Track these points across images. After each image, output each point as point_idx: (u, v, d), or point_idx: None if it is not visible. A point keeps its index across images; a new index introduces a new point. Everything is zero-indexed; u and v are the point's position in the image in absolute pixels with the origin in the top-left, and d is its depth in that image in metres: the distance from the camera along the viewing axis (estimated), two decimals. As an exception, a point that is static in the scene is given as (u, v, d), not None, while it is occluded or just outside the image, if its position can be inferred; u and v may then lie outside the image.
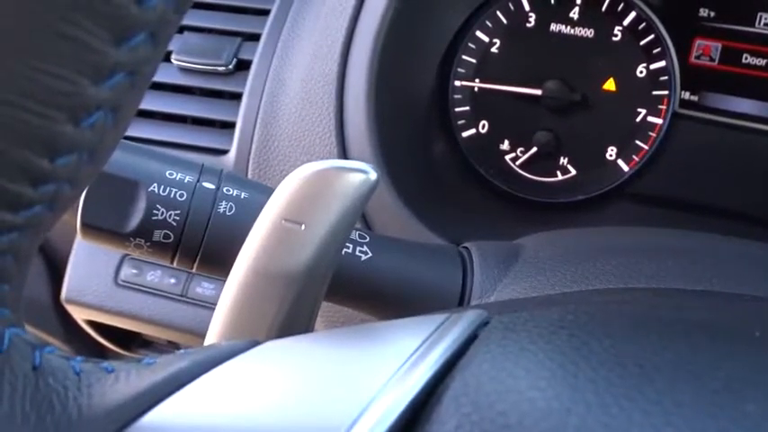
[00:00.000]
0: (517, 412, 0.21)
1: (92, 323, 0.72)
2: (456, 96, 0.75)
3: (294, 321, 0.31)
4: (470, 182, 0.74)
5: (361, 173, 0.29)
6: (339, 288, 0.40)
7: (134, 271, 0.64)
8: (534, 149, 0.73)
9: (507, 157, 0.75)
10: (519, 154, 0.74)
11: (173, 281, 0.63)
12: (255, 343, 0.26)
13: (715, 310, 0.35)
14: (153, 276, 0.63)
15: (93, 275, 0.66)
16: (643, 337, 0.27)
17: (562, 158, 0.74)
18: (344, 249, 0.41)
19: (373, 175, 0.29)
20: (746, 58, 0.71)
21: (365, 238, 0.43)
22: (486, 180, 0.75)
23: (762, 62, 0.71)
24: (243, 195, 0.39)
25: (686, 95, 0.72)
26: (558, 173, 0.74)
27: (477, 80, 0.74)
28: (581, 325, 0.27)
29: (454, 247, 0.45)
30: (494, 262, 0.43)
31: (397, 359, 0.22)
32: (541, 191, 0.74)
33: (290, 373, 0.23)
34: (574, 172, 0.73)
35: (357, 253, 0.40)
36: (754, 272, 0.47)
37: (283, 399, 0.21)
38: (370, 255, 0.42)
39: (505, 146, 0.75)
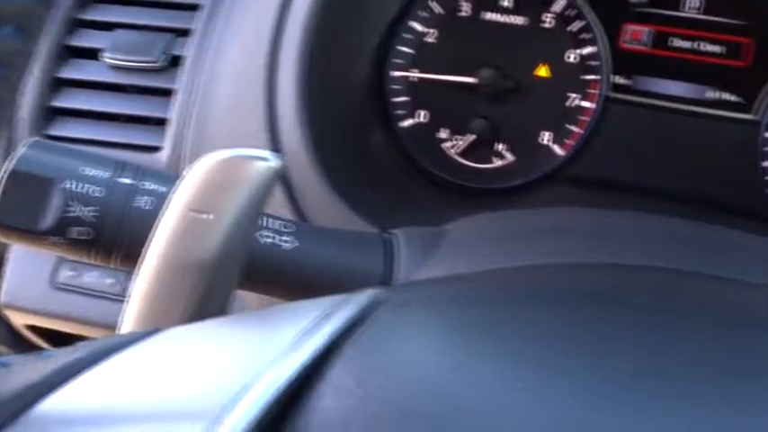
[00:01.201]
0: (400, 384, 0.22)
1: (32, 327, 0.71)
2: (393, 87, 0.76)
3: (206, 310, 0.31)
4: (409, 171, 0.75)
5: (263, 160, 0.30)
6: (262, 278, 0.40)
7: (71, 273, 0.64)
8: (472, 137, 0.74)
9: (446, 146, 0.76)
10: (457, 142, 0.76)
11: (111, 281, 0.63)
12: (155, 331, 0.26)
13: (612, 281, 0.37)
14: (90, 277, 0.63)
15: (30, 279, 0.65)
16: (536, 308, 0.28)
17: (499, 145, 0.75)
18: (267, 239, 0.41)
19: (275, 163, 0.30)
20: (675, 42, 0.74)
21: (291, 228, 0.43)
22: (424, 168, 0.76)
23: (689, 45, 0.73)
24: (162, 190, 0.39)
25: (619, 79, 0.74)
26: (496, 159, 0.75)
27: (413, 70, 0.75)
28: (474, 300, 0.28)
29: (379, 234, 0.46)
30: (419, 247, 0.44)
31: (282, 341, 0.22)
32: (479, 177, 0.75)
33: (179, 360, 0.23)
34: (511, 157, 0.75)
35: (279, 242, 0.41)
36: (679, 248, 0.49)
37: (166, 385, 0.21)
38: (296, 244, 0.43)
39: (444, 134, 0.76)
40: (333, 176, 0.58)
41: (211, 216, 0.30)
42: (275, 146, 0.59)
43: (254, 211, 0.30)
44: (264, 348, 0.22)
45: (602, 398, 0.22)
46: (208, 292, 0.31)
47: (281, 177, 0.60)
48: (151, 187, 0.39)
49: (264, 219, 0.43)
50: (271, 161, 0.29)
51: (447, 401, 0.21)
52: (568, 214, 0.50)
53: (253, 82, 0.59)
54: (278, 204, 0.59)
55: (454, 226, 0.49)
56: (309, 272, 0.42)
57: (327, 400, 0.21)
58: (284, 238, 0.42)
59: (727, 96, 0.71)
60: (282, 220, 0.43)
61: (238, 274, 0.32)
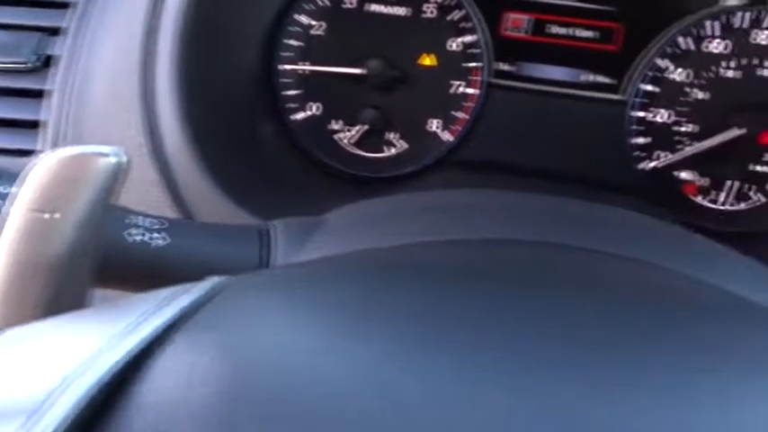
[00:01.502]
0: (236, 366, 0.22)
1: None
2: (284, 80, 0.76)
3: (59, 309, 0.31)
4: (302, 163, 0.75)
5: (105, 156, 0.29)
6: (133, 276, 0.40)
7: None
8: (364, 127, 0.75)
9: (338, 137, 0.77)
10: (349, 132, 0.76)
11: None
12: (-6, 333, 0.26)
13: (485, 255, 0.38)
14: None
15: None
16: (394, 285, 0.29)
17: (390, 134, 0.76)
18: (136, 237, 0.41)
19: (118, 159, 0.29)
20: (552, 29, 0.77)
21: (163, 225, 0.43)
22: (318, 160, 0.76)
23: (564, 31, 0.76)
24: (11, 191, 0.38)
25: (502, 66, 0.77)
26: (388, 148, 0.77)
27: (303, 63, 0.76)
28: (324, 280, 0.28)
29: (255, 226, 0.46)
30: (296, 235, 0.44)
31: (113, 331, 0.22)
32: (373, 166, 0.76)
33: (7, 359, 0.23)
34: (402, 146, 0.76)
35: (149, 240, 0.41)
36: (554, 223, 0.51)
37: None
38: (168, 241, 0.42)
39: (336, 125, 0.77)
40: (217, 172, 0.58)
41: (56, 215, 0.30)
42: (155, 143, 0.58)
43: (100, 209, 0.30)
44: (92, 341, 0.22)
45: (477, 372, 0.22)
46: (59, 292, 0.31)
47: (165, 175, 0.59)
48: (4, 190, 0.37)
49: (134, 217, 0.42)
50: (112, 157, 0.29)
51: (279, 381, 0.22)
52: (447, 195, 0.52)
53: (128, 78, 0.58)
54: (162, 203, 0.58)
55: (335, 213, 0.50)
56: (183, 268, 0.41)
57: (156, 385, 0.21)
58: (155, 235, 0.41)
59: (600, 79, 0.74)
60: (154, 217, 0.43)
61: (92, 273, 0.32)
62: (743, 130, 0.68)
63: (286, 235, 0.46)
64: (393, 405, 0.21)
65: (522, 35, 0.77)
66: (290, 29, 0.74)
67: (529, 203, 0.52)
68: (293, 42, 0.75)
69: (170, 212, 0.58)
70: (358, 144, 0.77)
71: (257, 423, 0.20)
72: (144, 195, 0.58)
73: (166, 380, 0.22)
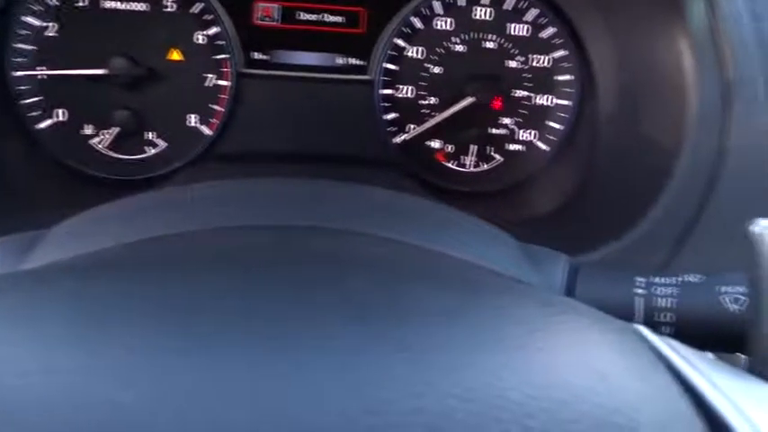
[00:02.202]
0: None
1: None
2: (20, 88, 0.70)
3: None
4: (55, 174, 0.71)
5: None
6: None
7: None
8: (116, 129, 0.73)
9: (93, 142, 0.73)
10: (103, 136, 0.73)
11: None
12: None
13: (229, 243, 0.39)
14: None
15: None
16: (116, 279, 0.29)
17: (149, 133, 0.74)
18: None
19: None
20: (302, 15, 0.79)
21: None
22: (73, 169, 0.72)
23: (314, 17, 0.79)
24: None
25: (257, 55, 0.78)
26: (149, 148, 0.74)
27: (39, 68, 0.71)
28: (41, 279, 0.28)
29: None
30: (15, 252, 0.42)
31: None
32: (133, 169, 0.74)
33: None
34: (163, 144, 0.75)
35: None
36: (312, 206, 0.53)
37: None
38: None
39: (89, 130, 0.73)
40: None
41: None
42: None
43: None
44: None
45: (218, 356, 0.23)
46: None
47: None
48: None
49: None
50: None
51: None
52: (189, 189, 0.52)
53: None
54: None
55: (62, 223, 0.48)
56: None
57: None
58: None
59: (351, 61, 0.78)
60: None
61: None
62: (476, 99, 0.75)
63: (2, 252, 0.43)
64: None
65: (273, 24, 0.78)
66: (19, 32, 0.69)
67: (271, 188, 0.53)
68: (24, 46, 0.70)
69: None
70: (114, 147, 0.73)
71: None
72: None
73: None
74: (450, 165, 0.79)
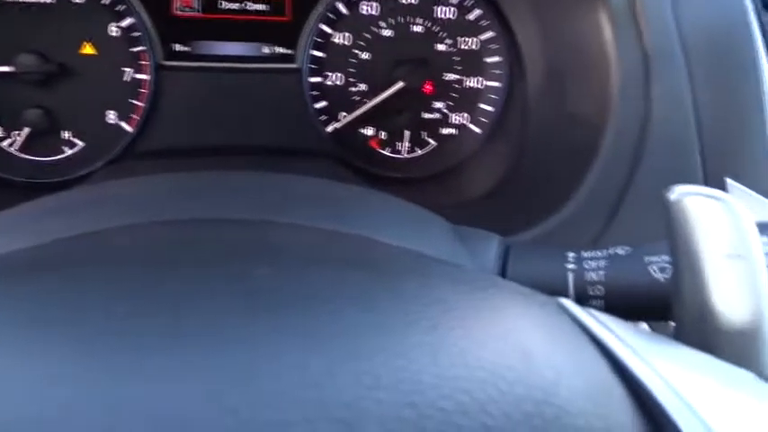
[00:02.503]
0: None
1: None
2: None
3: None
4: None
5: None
6: None
7: None
8: (27, 130, 0.69)
9: (4, 144, 0.69)
10: (15, 137, 0.69)
11: None
12: None
13: (158, 238, 0.37)
14: None
15: None
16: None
17: (65, 132, 0.71)
18: None
19: None
20: (224, 5, 0.76)
21: None
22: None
23: (237, 6, 0.77)
24: None
25: (178, 47, 0.75)
26: (66, 148, 0.71)
27: (-60, 67, 0.66)
28: None
29: None
30: None
31: None
32: (49, 170, 0.70)
33: None
34: (81, 144, 0.71)
35: None
36: (240, 199, 0.51)
37: None
38: None
39: (-1, 132, 0.69)
40: None
41: None
42: None
43: None
44: None
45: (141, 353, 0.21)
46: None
47: None
48: None
49: None
50: None
51: None
52: (111, 186, 0.49)
53: None
54: None
55: None
56: None
57: None
58: None
59: (278, 50, 0.76)
60: None
61: None
62: (406, 83, 0.74)
63: None
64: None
65: (193, 14, 0.75)
66: None
67: (188, 182, 0.51)
68: None
69: None
70: (27, 149, 0.69)
71: None
72: None
73: None
74: (384, 152, 0.78)
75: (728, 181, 0.56)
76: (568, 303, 0.28)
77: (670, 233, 0.31)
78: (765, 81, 0.62)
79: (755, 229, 0.33)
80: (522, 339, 0.22)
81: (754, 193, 0.54)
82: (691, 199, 0.30)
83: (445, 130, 0.78)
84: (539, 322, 0.24)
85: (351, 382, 0.19)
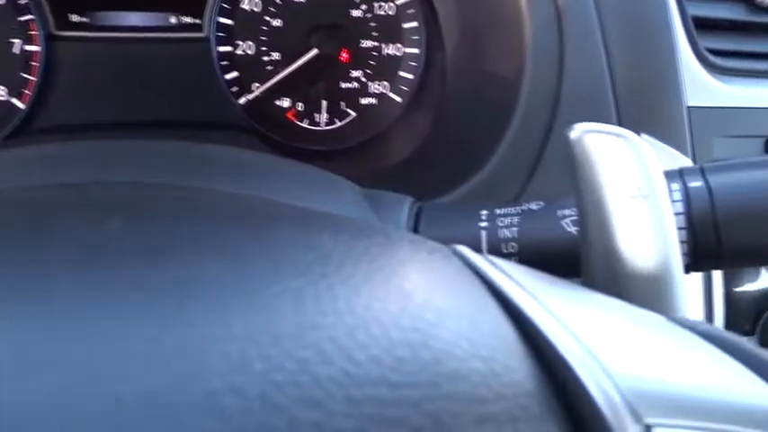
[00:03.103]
0: None
1: None
2: None
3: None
4: None
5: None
6: None
7: None
8: None
9: None
10: None
11: None
12: None
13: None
14: None
15: None
16: None
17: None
18: None
19: None
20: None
21: None
22: None
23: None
24: None
25: (75, 18, 0.69)
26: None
27: None
28: None
29: None
30: None
31: None
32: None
33: None
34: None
35: None
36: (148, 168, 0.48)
37: None
38: None
39: None
40: None
41: None
42: None
43: None
44: None
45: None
46: None
47: None
48: None
49: None
50: None
51: None
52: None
53: None
54: None
55: None
56: None
57: None
58: None
59: (185, 19, 0.72)
60: None
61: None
62: (320, 51, 0.72)
63: None
64: None
65: (91, -19, 0.70)
66: None
67: (84, 149, 0.48)
68: None
69: None
70: None
71: None
72: None
73: None
74: (302, 124, 0.74)
75: (643, 136, 0.56)
76: (464, 249, 0.26)
77: (573, 174, 0.29)
78: (677, 36, 0.62)
79: (660, 169, 0.32)
80: (403, 283, 0.20)
81: (667, 147, 0.54)
82: (593, 136, 0.28)
83: (365, 100, 0.75)
84: (425, 267, 0.22)
85: (195, 334, 0.16)
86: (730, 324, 0.61)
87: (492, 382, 0.18)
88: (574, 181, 0.30)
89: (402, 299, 0.20)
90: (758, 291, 0.63)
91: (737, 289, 0.63)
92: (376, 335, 0.17)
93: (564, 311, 0.21)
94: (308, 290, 0.19)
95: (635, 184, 0.29)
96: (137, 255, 0.20)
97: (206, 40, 0.70)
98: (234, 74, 0.72)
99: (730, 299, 0.62)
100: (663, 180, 0.31)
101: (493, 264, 0.24)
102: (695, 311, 0.57)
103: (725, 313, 0.62)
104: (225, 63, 0.71)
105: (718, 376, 0.22)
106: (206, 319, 0.17)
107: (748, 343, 0.24)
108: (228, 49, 0.71)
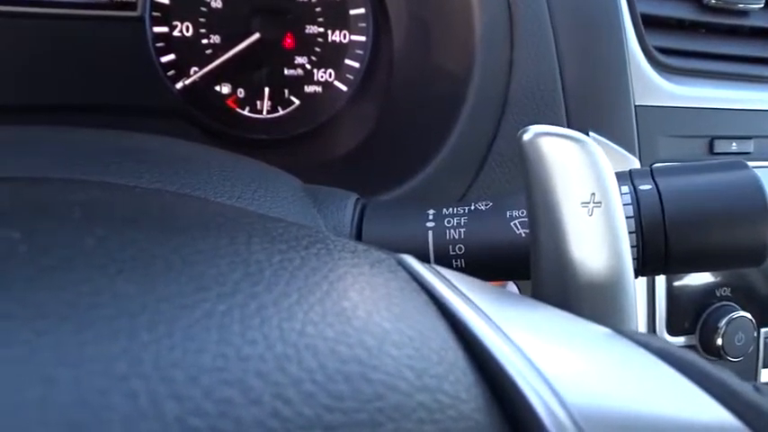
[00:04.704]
0: None
1: None
2: None
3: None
4: None
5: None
6: None
7: None
8: None
9: None
10: None
11: None
12: None
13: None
14: None
15: None
16: None
17: None
18: None
19: None
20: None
21: None
22: None
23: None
24: None
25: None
26: None
27: None
28: None
29: None
30: None
31: None
32: None
33: None
34: None
35: None
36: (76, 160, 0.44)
37: None
38: None
39: None
40: None
41: None
42: None
43: None
44: None
45: None
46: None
47: None
48: None
49: None
50: None
51: None
52: None
53: None
54: None
55: None
56: None
57: None
58: None
59: (117, -3, 0.68)
60: None
61: None
62: (262, 35, 0.68)
63: None
64: None
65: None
66: None
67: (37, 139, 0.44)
68: None
69: None
70: None
71: None
72: None
73: None
74: (243, 112, 0.71)
75: (592, 134, 0.56)
76: (410, 259, 0.24)
77: (524, 176, 0.28)
78: (628, 34, 0.62)
79: (614, 175, 0.31)
80: (342, 303, 0.18)
81: (616, 146, 0.54)
82: (546, 139, 0.27)
83: (309, 88, 0.72)
84: (368, 282, 0.20)
85: (95, 369, 0.14)
86: (671, 322, 0.62)
87: (438, 417, 0.16)
88: (525, 183, 0.29)
89: (341, 322, 0.18)
90: (699, 287, 0.64)
91: (677, 283, 0.64)
92: (311, 367, 0.16)
93: (513, 330, 0.20)
94: (234, 313, 0.17)
95: (588, 191, 0.27)
96: (27, 272, 0.17)
97: (140, 19, 0.66)
98: (171, 57, 0.67)
99: (672, 296, 0.63)
100: (617, 188, 0.30)
101: (440, 276, 0.22)
102: (638, 309, 0.57)
103: (666, 310, 0.62)
104: (161, 45, 0.67)
105: (666, 393, 0.21)
106: (108, 353, 0.15)
107: (697, 357, 0.23)
108: (165, 29, 0.67)
